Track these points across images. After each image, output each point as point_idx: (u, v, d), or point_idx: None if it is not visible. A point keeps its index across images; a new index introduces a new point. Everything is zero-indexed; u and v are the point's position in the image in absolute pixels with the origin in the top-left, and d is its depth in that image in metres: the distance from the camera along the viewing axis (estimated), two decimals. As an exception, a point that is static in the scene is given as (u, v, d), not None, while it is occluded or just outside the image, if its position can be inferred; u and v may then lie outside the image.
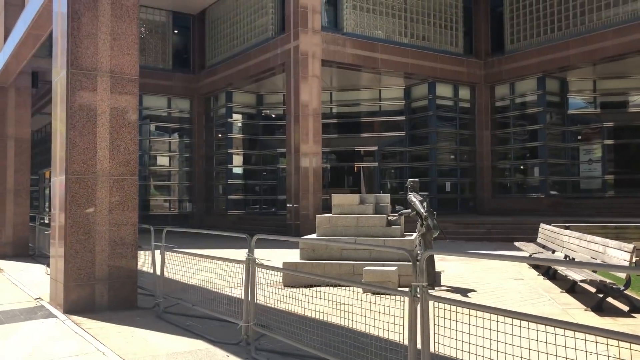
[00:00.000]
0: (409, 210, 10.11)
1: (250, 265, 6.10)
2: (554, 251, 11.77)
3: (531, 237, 19.25)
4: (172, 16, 29.19)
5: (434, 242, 9.67)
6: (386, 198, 11.15)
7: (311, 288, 5.96)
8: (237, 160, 27.96)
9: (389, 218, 10.45)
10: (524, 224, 20.97)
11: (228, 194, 27.40)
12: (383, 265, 9.59)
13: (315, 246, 10.28)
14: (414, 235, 9.85)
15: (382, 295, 5.22)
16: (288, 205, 21.93)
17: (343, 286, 6.28)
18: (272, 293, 6.34)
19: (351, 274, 9.83)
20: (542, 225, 13.51)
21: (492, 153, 26.48)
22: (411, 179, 9.95)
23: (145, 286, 8.84)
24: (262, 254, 6.36)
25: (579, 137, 25.38)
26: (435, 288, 9.30)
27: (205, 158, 29.38)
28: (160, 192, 29.73)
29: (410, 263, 9.72)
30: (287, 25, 22.28)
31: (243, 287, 6.28)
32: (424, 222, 9.29)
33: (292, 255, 10.89)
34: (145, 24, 28.27)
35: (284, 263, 10.10)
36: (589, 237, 9.20)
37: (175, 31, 29.63)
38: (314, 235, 10.98)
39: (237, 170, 28.02)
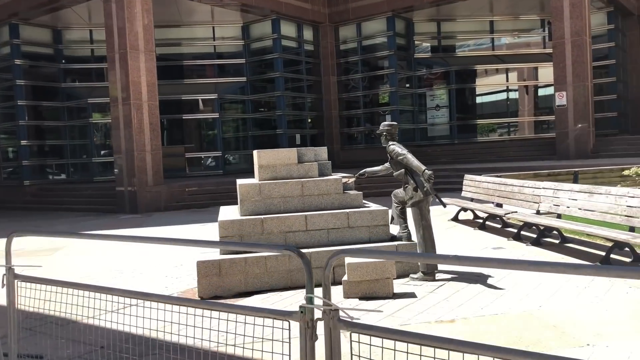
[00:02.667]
0: (382, 168, 7.07)
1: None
2: (501, 206, 9.74)
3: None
4: None
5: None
6: (323, 152, 7.89)
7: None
8: (32, 115, 21.68)
9: (344, 181, 7.26)
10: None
11: (22, 158, 21.17)
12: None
13: (243, 231, 6.68)
14: (396, 203, 6.80)
15: None
16: (116, 170, 17.19)
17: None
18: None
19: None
20: (468, 176, 11.52)
21: (340, 101, 24.37)
22: (387, 123, 6.85)
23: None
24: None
25: (426, 82, 24.47)
26: (436, 275, 6.48)
27: (-16, 114, 22.43)
28: None
29: (392, 243, 6.75)
30: None
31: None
32: (424, 186, 6.32)
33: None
34: None
35: (200, 263, 6.38)
36: (613, 189, 7.12)
37: None
38: (233, 210, 7.28)
39: (32, 128, 21.77)
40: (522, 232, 8.81)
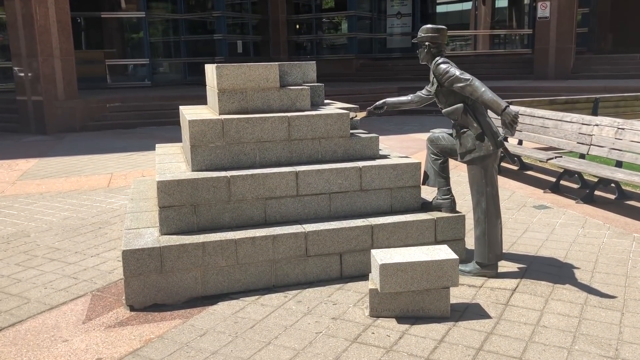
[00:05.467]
0: (412, 99, 4.62)
1: None
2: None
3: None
4: None
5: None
6: (311, 70, 5.29)
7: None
8: None
9: (351, 116, 4.78)
10: (356, 93, 16.85)
11: None
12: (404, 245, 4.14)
13: (198, 198, 4.16)
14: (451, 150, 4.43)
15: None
16: (20, 74, 13.77)
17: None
18: None
19: (302, 257, 4.14)
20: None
21: (288, 3, 21.13)
22: (431, 27, 4.29)
23: None
24: None
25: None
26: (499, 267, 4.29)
27: None
28: None
29: (426, 215, 4.40)
30: None
31: None
32: (498, 134, 3.99)
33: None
34: None
35: (128, 253, 3.85)
36: None
37: None
38: (176, 156, 4.66)
39: None
40: (561, 182, 6.77)
